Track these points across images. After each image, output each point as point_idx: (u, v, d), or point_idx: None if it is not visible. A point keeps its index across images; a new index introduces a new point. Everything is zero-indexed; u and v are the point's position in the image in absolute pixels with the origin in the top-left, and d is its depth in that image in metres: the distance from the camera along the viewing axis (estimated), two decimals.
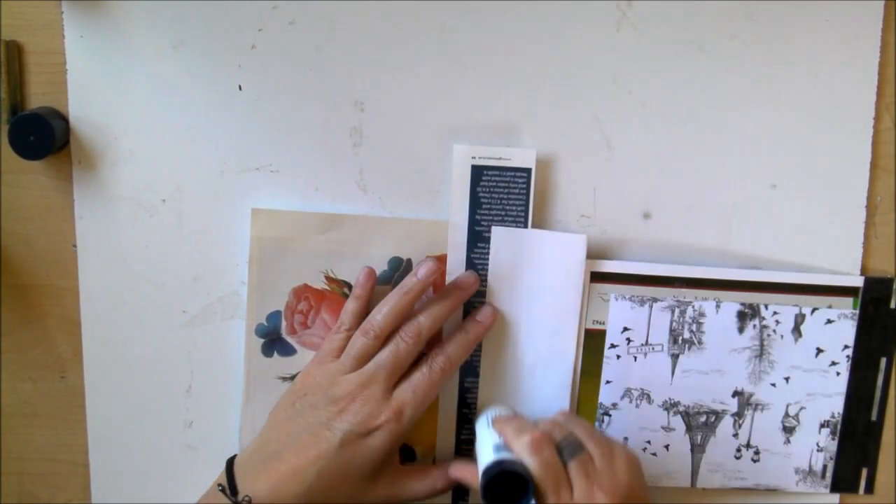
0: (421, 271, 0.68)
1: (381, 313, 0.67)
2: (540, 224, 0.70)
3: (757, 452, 0.74)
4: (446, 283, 0.70)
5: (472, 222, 0.70)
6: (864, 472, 0.74)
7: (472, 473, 0.66)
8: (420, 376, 0.67)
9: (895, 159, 0.70)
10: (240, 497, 0.63)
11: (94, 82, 0.68)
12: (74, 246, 0.71)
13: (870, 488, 0.74)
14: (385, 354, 0.66)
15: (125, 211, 0.70)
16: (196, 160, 0.70)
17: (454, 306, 0.69)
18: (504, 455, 0.62)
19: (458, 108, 0.69)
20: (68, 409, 0.73)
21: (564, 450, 0.62)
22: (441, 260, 0.70)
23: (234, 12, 0.68)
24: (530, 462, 0.61)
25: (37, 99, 0.69)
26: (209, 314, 0.72)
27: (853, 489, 0.74)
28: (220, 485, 0.65)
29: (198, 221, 0.71)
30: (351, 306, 0.69)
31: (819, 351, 0.72)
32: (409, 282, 0.68)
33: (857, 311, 0.72)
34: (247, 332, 0.71)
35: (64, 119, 0.69)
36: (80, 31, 0.68)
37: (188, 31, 0.68)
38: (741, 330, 0.72)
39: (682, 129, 0.70)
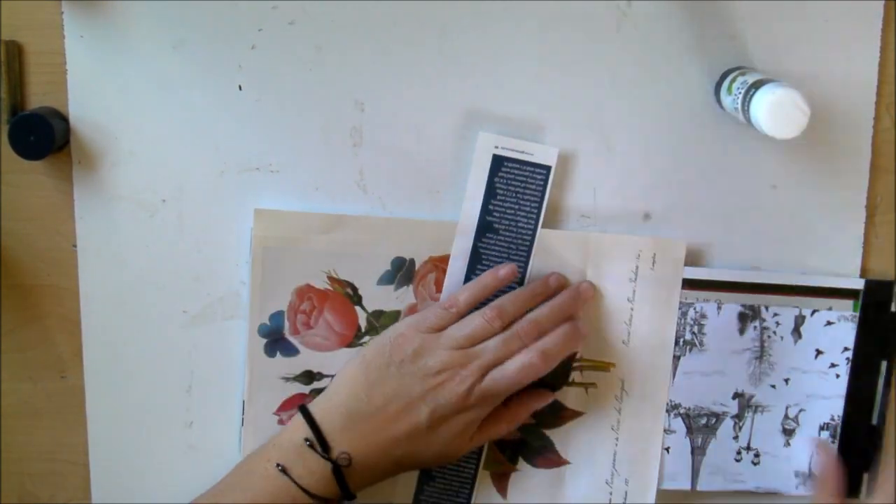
0: (552, 280, 0.70)
1: (511, 303, 0.68)
2: (541, 224, 0.71)
3: (757, 455, 0.73)
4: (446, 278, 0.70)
5: (485, 211, 0.70)
6: (866, 477, 0.74)
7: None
8: (514, 365, 0.66)
9: (895, 159, 0.70)
10: (334, 453, 0.64)
11: (94, 82, 0.69)
12: (74, 246, 0.71)
13: (871, 492, 0.74)
14: (497, 342, 0.66)
15: (125, 211, 0.70)
16: (196, 160, 0.70)
17: (570, 312, 0.69)
18: None
19: (458, 109, 0.69)
20: (68, 409, 0.73)
21: None
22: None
23: (234, 12, 0.68)
24: None
25: (37, 99, 0.69)
26: (209, 314, 0.72)
27: (854, 493, 0.74)
28: (306, 439, 0.64)
29: (198, 221, 0.71)
30: (471, 292, 0.68)
31: (818, 353, 0.72)
32: (539, 284, 0.69)
33: (858, 314, 0.72)
34: (249, 332, 0.71)
35: (64, 119, 0.69)
36: (80, 31, 0.68)
37: (188, 31, 0.68)
38: (742, 331, 0.72)
39: (681, 129, 0.70)
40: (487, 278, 0.69)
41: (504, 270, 0.69)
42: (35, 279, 0.72)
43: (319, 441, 0.64)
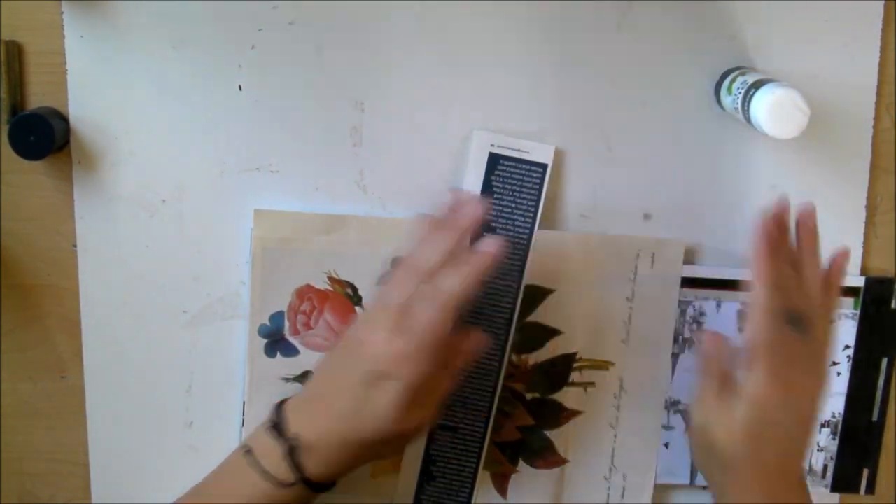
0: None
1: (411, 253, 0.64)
2: (540, 223, 0.71)
3: None
4: None
5: None
6: (865, 473, 0.74)
7: None
8: (421, 308, 0.61)
9: (895, 159, 0.70)
10: (289, 433, 0.63)
11: (94, 82, 0.68)
12: (74, 246, 0.71)
13: (871, 488, 0.74)
14: (390, 286, 0.63)
15: (125, 211, 0.70)
16: (196, 160, 0.70)
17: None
18: None
19: (458, 109, 0.69)
20: (68, 409, 0.73)
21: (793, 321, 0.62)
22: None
23: (234, 12, 0.68)
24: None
25: (37, 99, 0.69)
26: (209, 314, 0.72)
27: (854, 489, 0.74)
28: (269, 420, 0.64)
29: (198, 221, 0.71)
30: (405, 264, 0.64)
31: None
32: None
33: (858, 312, 0.72)
34: (249, 332, 0.71)
35: (64, 119, 0.69)
36: (80, 31, 0.68)
37: (188, 31, 0.68)
38: (741, 329, 0.72)
39: (681, 129, 0.70)
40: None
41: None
42: (35, 279, 0.72)
43: (279, 423, 0.63)
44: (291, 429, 0.63)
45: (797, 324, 0.62)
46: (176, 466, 0.73)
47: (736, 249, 0.71)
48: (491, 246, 0.62)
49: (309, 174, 0.70)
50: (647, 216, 0.71)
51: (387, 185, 0.70)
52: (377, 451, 0.65)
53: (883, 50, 0.68)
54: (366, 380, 0.61)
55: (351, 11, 0.68)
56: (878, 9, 0.68)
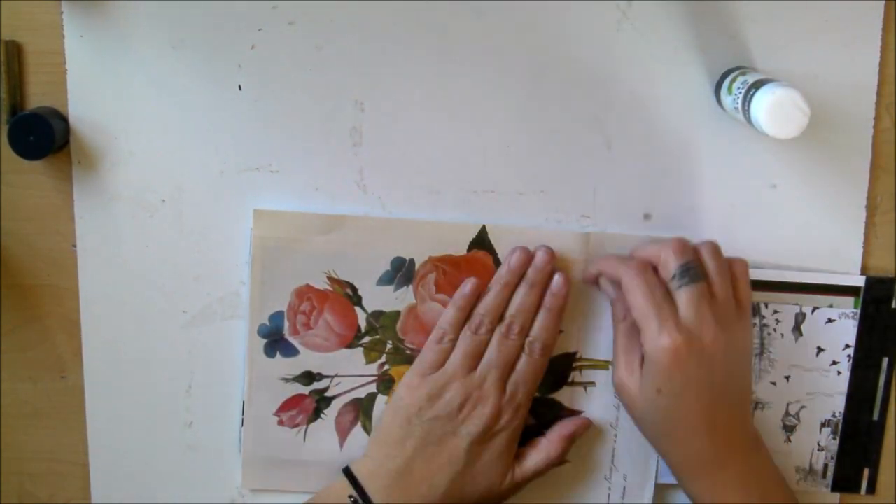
0: (513, 261, 0.68)
1: (489, 303, 0.68)
2: (539, 224, 0.71)
3: None
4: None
5: None
6: (866, 472, 0.74)
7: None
8: (525, 367, 0.68)
9: (895, 159, 0.70)
10: None
11: (93, 82, 0.68)
12: (74, 246, 0.71)
13: (871, 488, 0.74)
14: (493, 351, 0.67)
15: (125, 211, 0.70)
16: (196, 160, 0.70)
17: (543, 287, 0.69)
18: None
19: (458, 109, 0.69)
20: (68, 409, 0.73)
21: (679, 274, 0.63)
22: (454, 262, 0.70)
23: (234, 12, 0.68)
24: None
25: (36, 99, 0.69)
26: (209, 314, 0.72)
27: (855, 489, 0.74)
28: (350, 496, 0.65)
29: (198, 221, 0.71)
30: (452, 316, 0.69)
31: (820, 350, 0.72)
32: (503, 274, 0.69)
33: (859, 311, 0.72)
34: (249, 332, 0.71)
35: (64, 119, 0.69)
36: (79, 31, 0.68)
37: (188, 31, 0.68)
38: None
39: (681, 129, 0.70)
40: (457, 299, 0.69)
41: (469, 286, 0.69)
42: (35, 279, 0.72)
43: (363, 498, 0.65)
44: (380, 500, 0.65)
45: (685, 273, 0.63)
46: (176, 466, 0.73)
47: (736, 249, 0.71)
48: (562, 287, 0.68)
49: (309, 174, 0.70)
50: (647, 216, 0.71)
51: (387, 185, 0.70)
52: None
53: (883, 50, 0.68)
54: (472, 446, 0.66)
55: (351, 11, 0.68)
56: (878, 9, 0.68)
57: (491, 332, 0.68)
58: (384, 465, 0.67)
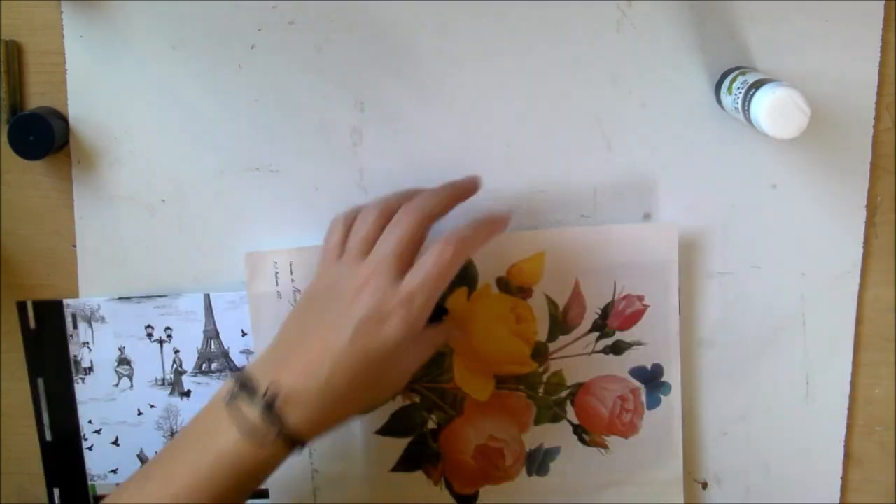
0: (460, 181, 0.66)
1: (397, 194, 0.65)
2: (539, 224, 0.71)
3: None
4: None
5: None
6: None
7: None
8: (430, 260, 0.61)
9: (895, 159, 0.70)
10: (262, 390, 0.59)
11: (93, 82, 0.68)
12: (74, 246, 0.71)
13: None
14: (389, 237, 0.62)
15: (125, 211, 0.70)
16: (196, 160, 0.70)
17: (458, 198, 0.65)
18: None
19: (458, 109, 0.69)
20: None
21: None
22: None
23: (234, 12, 0.68)
24: None
25: (36, 99, 0.69)
26: None
27: None
28: (236, 380, 0.60)
29: (198, 221, 0.70)
30: (367, 205, 0.65)
31: None
32: (445, 185, 0.65)
33: None
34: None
35: (63, 119, 0.69)
36: (79, 31, 0.68)
37: (188, 31, 0.68)
38: None
39: (681, 129, 0.70)
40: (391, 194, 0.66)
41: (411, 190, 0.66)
42: (35, 279, 0.72)
43: (245, 386, 0.60)
44: (263, 383, 0.59)
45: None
46: None
47: (736, 249, 0.71)
48: (505, 219, 0.64)
49: (309, 174, 0.70)
50: (647, 216, 0.71)
51: (387, 185, 0.70)
52: (364, 397, 0.62)
53: (883, 50, 0.68)
54: (366, 319, 0.60)
55: (351, 11, 0.68)
56: (878, 9, 0.68)
57: (385, 218, 0.63)
58: (272, 353, 0.62)
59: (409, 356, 0.64)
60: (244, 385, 0.60)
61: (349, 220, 0.65)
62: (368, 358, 0.60)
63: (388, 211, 0.63)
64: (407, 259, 0.62)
